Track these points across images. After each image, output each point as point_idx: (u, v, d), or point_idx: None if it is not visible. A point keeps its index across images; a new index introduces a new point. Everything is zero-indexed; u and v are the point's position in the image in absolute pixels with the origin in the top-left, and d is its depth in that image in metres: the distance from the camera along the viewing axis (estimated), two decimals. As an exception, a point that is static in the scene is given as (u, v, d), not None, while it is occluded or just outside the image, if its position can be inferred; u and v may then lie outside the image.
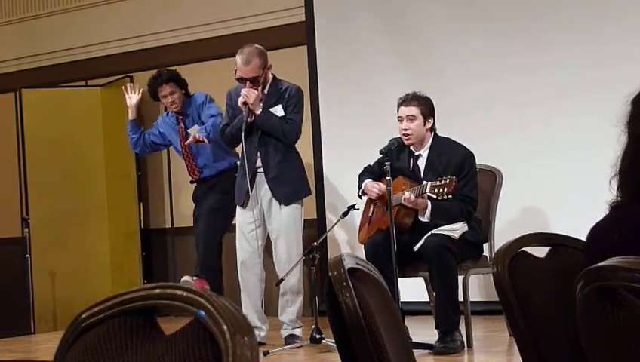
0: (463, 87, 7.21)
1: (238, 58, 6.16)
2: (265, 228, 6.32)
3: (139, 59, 8.89)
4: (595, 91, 6.70)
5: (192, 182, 7.58)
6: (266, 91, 6.24)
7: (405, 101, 5.91)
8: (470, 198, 5.78)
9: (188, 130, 7.39)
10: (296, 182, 6.31)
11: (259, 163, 6.24)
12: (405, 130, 5.86)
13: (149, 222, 8.90)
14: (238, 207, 6.35)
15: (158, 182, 8.92)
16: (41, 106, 8.99)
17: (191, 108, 7.46)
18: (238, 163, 7.23)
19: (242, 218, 6.32)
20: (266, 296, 6.55)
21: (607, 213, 2.24)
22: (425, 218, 5.74)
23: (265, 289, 6.45)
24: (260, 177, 6.25)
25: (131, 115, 7.72)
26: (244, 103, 6.10)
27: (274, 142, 6.22)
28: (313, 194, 7.88)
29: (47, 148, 8.93)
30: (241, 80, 6.16)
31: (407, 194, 5.65)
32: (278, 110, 6.23)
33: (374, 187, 5.94)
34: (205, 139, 7.03)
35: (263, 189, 6.25)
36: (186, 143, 7.33)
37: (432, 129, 5.94)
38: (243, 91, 6.13)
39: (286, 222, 6.23)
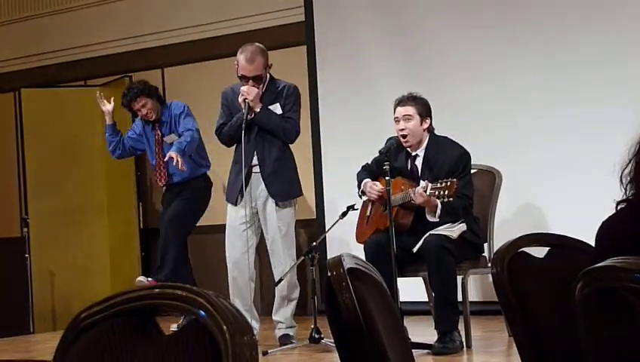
0: (463, 87, 7.20)
1: (241, 57, 6.13)
2: (257, 228, 6.29)
3: (138, 59, 8.89)
4: (597, 92, 6.70)
5: (162, 186, 7.50)
6: (263, 89, 6.20)
7: (402, 102, 5.91)
8: (466, 196, 5.77)
9: (164, 138, 7.29)
10: (291, 180, 6.27)
11: (255, 161, 6.20)
12: (402, 129, 5.84)
13: (148, 222, 8.90)
14: (229, 205, 6.29)
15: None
16: (40, 106, 8.98)
17: (167, 116, 7.36)
18: (208, 172, 7.21)
19: (234, 216, 6.26)
20: (257, 295, 6.53)
21: (619, 209, 2.21)
22: (435, 217, 5.68)
23: (256, 288, 6.45)
24: (256, 177, 6.20)
25: (109, 119, 7.51)
26: (244, 100, 6.08)
27: (271, 140, 6.18)
28: (312, 194, 7.90)
29: (47, 148, 8.93)
30: (243, 78, 6.15)
31: (419, 189, 5.55)
32: (277, 108, 6.20)
33: (374, 188, 5.92)
34: (183, 167, 6.94)
35: (258, 189, 6.21)
36: (165, 160, 7.16)
37: (430, 129, 5.93)
38: (243, 89, 6.09)
39: (281, 223, 6.20)
